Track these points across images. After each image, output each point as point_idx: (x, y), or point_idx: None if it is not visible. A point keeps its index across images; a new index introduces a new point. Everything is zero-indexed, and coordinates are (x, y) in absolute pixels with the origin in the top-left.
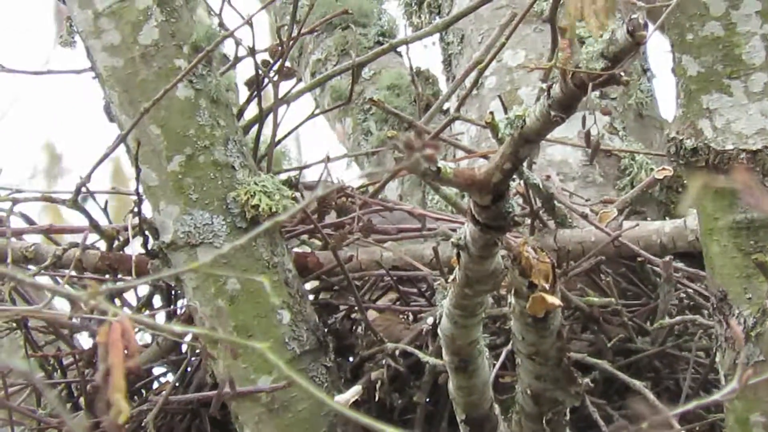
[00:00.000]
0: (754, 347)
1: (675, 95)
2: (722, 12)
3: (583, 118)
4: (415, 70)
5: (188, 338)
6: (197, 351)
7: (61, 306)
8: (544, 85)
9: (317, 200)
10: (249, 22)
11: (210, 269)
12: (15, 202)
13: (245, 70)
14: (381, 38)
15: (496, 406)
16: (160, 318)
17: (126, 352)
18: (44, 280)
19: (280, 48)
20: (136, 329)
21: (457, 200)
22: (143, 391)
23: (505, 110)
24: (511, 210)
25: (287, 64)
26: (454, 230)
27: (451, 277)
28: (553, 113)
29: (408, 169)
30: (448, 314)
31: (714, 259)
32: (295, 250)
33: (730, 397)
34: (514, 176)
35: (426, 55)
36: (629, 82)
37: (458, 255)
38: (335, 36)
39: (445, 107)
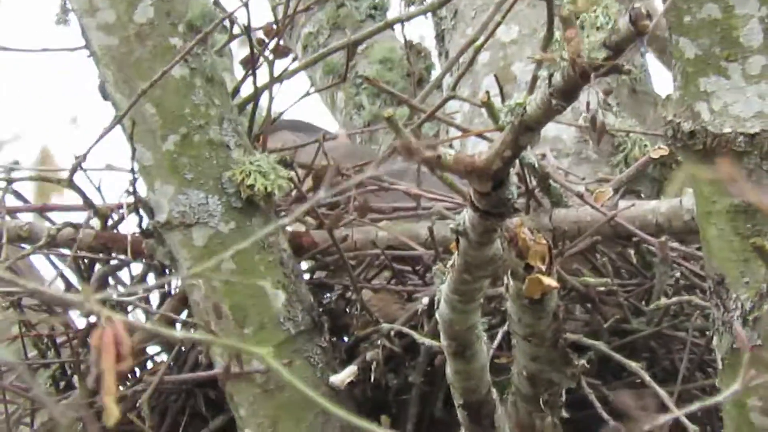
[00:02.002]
0: (752, 331)
1: (672, 77)
2: None
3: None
4: (408, 44)
5: (183, 316)
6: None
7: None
8: (545, 73)
9: (312, 179)
10: (245, 4)
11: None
12: (10, 181)
13: (240, 50)
14: (373, 11)
15: (493, 390)
16: (154, 297)
17: (118, 356)
18: (39, 258)
19: (275, 26)
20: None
21: (456, 184)
22: (137, 371)
23: (500, 88)
24: (511, 197)
25: (282, 42)
26: (449, 209)
27: (450, 262)
28: (554, 101)
29: (406, 156)
30: (447, 299)
31: (711, 243)
32: (290, 229)
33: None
34: None
35: (417, 26)
36: (631, 72)
37: (457, 241)
38: (327, 9)
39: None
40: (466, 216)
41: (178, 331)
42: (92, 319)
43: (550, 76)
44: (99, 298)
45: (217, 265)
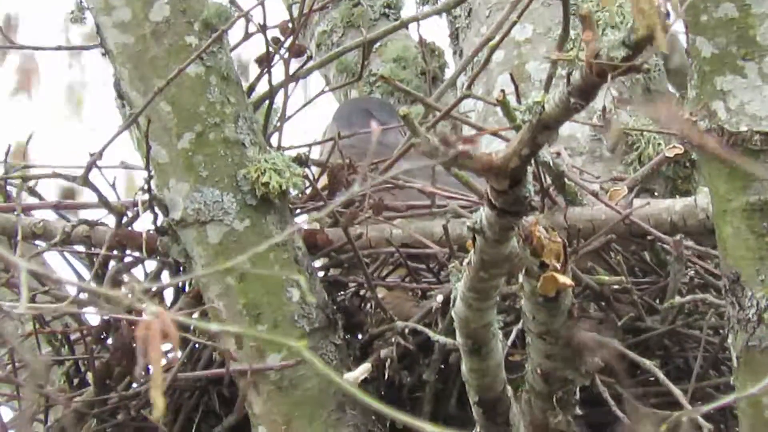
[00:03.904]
0: (767, 329)
1: (689, 76)
2: None
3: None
4: (422, 43)
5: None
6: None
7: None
8: (563, 72)
9: (328, 177)
10: (262, 2)
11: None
12: (25, 179)
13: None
14: (387, 10)
15: (508, 387)
16: (168, 294)
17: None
18: (53, 256)
19: (290, 25)
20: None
21: (472, 182)
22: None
23: (516, 87)
24: (528, 195)
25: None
26: (464, 207)
27: (466, 260)
28: (572, 100)
29: (424, 153)
30: (463, 297)
31: (727, 241)
32: (305, 226)
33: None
34: None
35: (431, 25)
36: (650, 71)
37: (474, 239)
38: (341, 7)
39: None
40: (483, 214)
41: (214, 325)
42: (114, 315)
43: (569, 74)
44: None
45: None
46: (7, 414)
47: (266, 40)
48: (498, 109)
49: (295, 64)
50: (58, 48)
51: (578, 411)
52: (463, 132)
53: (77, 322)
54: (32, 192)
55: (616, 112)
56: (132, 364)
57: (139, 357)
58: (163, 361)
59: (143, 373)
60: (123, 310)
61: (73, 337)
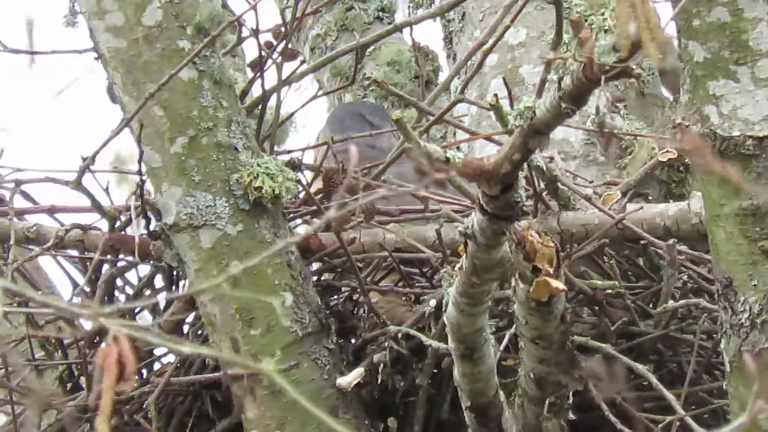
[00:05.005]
0: (760, 334)
1: (681, 81)
2: None
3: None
4: (416, 47)
5: (190, 318)
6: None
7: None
8: (555, 76)
9: (321, 181)
10: (254, 7)
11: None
12: (18, 183)
13: (249, 52)
14: (380, 13)
15: (501, 392)
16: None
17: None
18: (46, 260)
19: (283, 29)
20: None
21: (464, 187)
22: (144, 373)
23: (509, 91)
24: (519, 200)
25: (290, 45)
26: (457, 212)
27: (458, 265)
28: (564, 105)
29: (415, 158)
30: (455, 302)
31: (719, 246)
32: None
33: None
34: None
35: (424, 28)
36: (641, 75)
37: (465, 244)
38: (334, 11)
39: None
40: (475, 219)
41: (185, 346)
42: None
43: (560, 79)
44: (106, 311)
45: (223, 267)
46: None
47: (259, 44)
48: (492, 113)
49: (288, 68)
50: (52, 52)
51: (571, 415)
52: (457, 136)
53: (71, 326)
54: (24, 195)
55: (611, 116)
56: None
57: (94, 384)
58: (117, 389)
59: (96, 400)
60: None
61: (66, 341)
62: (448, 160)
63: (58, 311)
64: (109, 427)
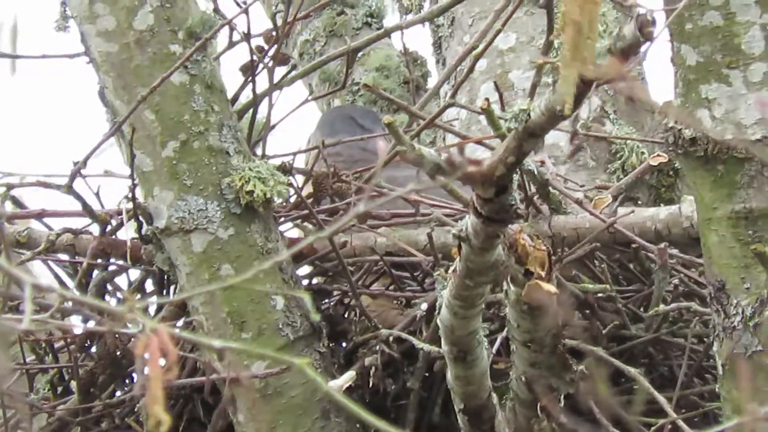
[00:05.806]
0: (753, 337)
1: (673, 85)
2: (721, 1)
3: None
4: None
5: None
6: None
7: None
8: (549, 80)
9: (312, 185)
10: (245, 11)
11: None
12: (9, 187)
13: (240, 57)
14: (370, 19)
15: (493, 395)
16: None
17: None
18: (37, 264)
19: (274, 34)
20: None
21: (457, 190)
22: (134, 376)
23: (500, 95)
24: (513, 203)
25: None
26: (448, 216)
27: (452, 268)
28: (558, 108)
29: (408, 161)
30: (448, 305)
31: (712, 249)
32: (289, 235)
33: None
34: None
35: (414, 34)
36: (636, 78)
37: (459, 246)
38: (324, 16)
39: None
40: (469, 222)
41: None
42: (91, 325)
43: (554, 82)
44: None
45: (215, 271)
46: None
47: (250, 48)
48: (481, 117)
49: (279, 73)
50: (43, 56)
51: (563, 419)
52: (447, 140)
53: (61, 330)
54: (14, 200)
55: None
56: (117, 373)
57: (138, 374)
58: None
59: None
60: (116, 323)
61: (57, 345)
62: (440, 162)
63: (92, 309)
64: (167, 411)
